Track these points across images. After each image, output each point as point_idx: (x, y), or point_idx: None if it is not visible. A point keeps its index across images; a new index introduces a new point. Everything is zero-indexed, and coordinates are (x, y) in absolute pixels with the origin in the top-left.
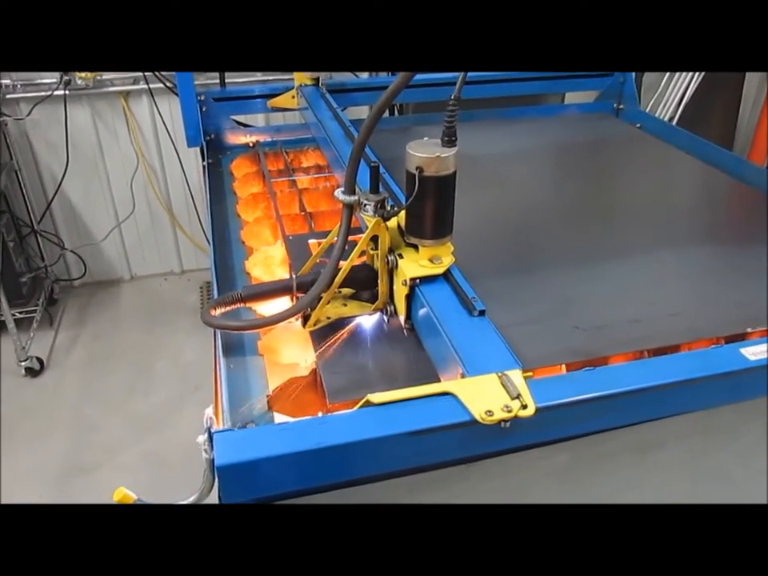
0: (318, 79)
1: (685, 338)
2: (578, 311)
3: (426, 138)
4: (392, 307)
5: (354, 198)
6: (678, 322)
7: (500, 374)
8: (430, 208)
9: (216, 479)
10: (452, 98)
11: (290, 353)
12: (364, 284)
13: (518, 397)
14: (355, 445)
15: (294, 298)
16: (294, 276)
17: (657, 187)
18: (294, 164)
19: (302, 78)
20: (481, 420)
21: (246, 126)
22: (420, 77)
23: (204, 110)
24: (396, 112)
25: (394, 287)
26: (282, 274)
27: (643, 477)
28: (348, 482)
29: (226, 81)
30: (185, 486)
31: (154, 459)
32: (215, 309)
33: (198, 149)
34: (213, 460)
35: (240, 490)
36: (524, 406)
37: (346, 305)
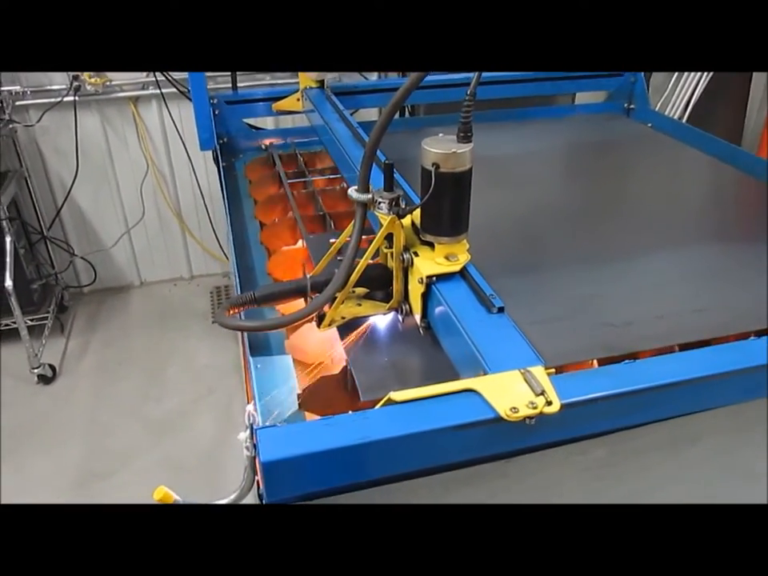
0: (323, 82)
1: (713, 333)
2: (598, 308)
3: (440, 135)
4: (407, 306)
5: (368, 196)
6: (703, 318)
7: (523, 371)
8: (446, 205)
9: (257, 477)
10: (468, 93)
11: (317, 351)
12: (378, 283)
13: (543, 393)
14: (398, 439)
15: (309, 298)
16: (308, 276)
17: (671, 185)
18: (308, 165)
19: (306, 80)
20: (506, 417)
21: (257, 128)
22: (431, 78)
23: (217, 113)
24: (407, 113)
25: (409, 286)
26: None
27: (678, 472)
28: (387, 479)
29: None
30: (203, 489)
31: (170, 464)
32: (229, 310)
33: (207, 154)
34: (255, 457)
35: (285, 486)
36: (549, 402)
37: (360, 304)
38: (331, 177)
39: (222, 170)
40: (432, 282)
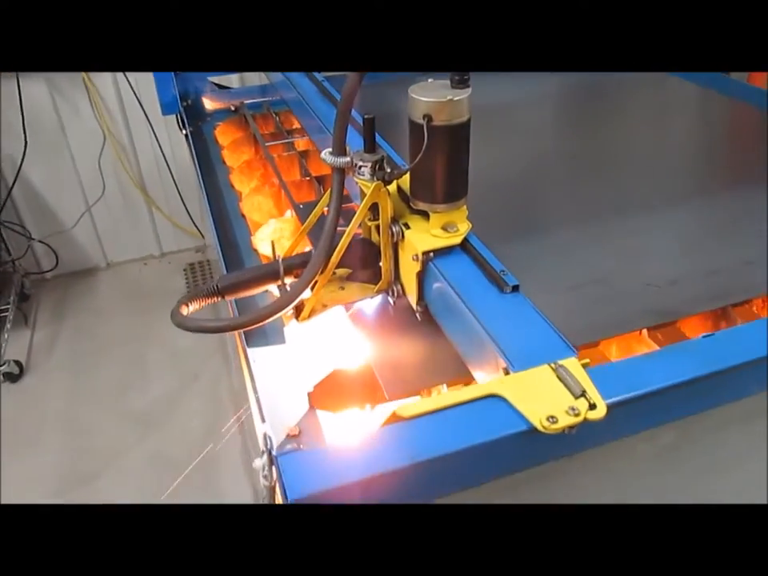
0: None
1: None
2: (625, 269)
3: (430, 80)
4: (398, 287)
5: (346, 159)
6: (754, 272)
7: (553, 365)
8: (442, 165)
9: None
10: None
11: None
12: (363, 262)
13: (584, 394)
14: (437, 460)
15: (283, 283)
16: (279, 258)
17: (674, 124)
18: (285, 126)
19: None
20: (543, 429)
21: (224, 87)
22: None
23: (178, 73)
24: None
25: (400, 263)
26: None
27: (751, 448)
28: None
29: None
30: (198, 487)
31: (160, 460)
32: (187, 306)
33: (170, 119)
34: (276, 487)
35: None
36: (592, 405)
37: (343, 288)
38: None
39: (189, 136)
40: (429, 259)
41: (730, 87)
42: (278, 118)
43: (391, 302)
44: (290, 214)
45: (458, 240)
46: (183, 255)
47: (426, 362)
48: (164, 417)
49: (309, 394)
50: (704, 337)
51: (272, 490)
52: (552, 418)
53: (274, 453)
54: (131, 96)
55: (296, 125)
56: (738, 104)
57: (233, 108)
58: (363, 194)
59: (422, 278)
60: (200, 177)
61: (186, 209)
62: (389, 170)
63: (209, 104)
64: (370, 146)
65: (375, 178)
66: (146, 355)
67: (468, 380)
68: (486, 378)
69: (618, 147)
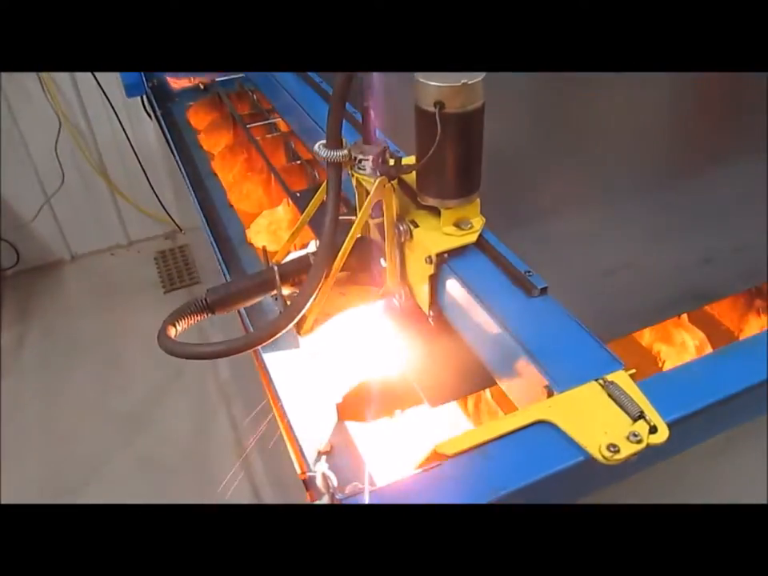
0: None
1: None
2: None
3: None
4: (405, 290)
5: (343, 152)
6: None
7: (602, 382)
8: (456, 156)
9: None
10: None
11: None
12: (363, 263)
13: (641, 416)
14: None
15: (279, 292)
16: (273, 265)
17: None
18: (263, 105)
19: None
20: (605, 460)
21: None
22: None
23: None
24: None
25: (408, 265)
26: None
27: None
28: None
29: None
30: (193, 490)
31: (149, 464)
32: (174, 326)
33: (131, 102)
34: None
35: None
36: (653, 428)
37: (344, 294)
38: None
39: (160, 118)
40: (443, 261)
41: None
42: (254, 97)
43: (397, 304)
44: (284, 203)
45: (473, 238)
46: (152, 243)
47: (462, 366)
48: (150, 418)
49: (338, 406)
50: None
51: None
52: (613, 447)
53: (338, 497)
54: (86, 78)
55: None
56: None
57: (202, 86)
58: (362, 190)
59: (435, 281)
60: (181, 165)
61: (156, 194)
62: (392, 163)
63: (175, 83)
64: (368, 138)
65: (378, 173)
66: (124, 353)
67: None
68: (523, 397)
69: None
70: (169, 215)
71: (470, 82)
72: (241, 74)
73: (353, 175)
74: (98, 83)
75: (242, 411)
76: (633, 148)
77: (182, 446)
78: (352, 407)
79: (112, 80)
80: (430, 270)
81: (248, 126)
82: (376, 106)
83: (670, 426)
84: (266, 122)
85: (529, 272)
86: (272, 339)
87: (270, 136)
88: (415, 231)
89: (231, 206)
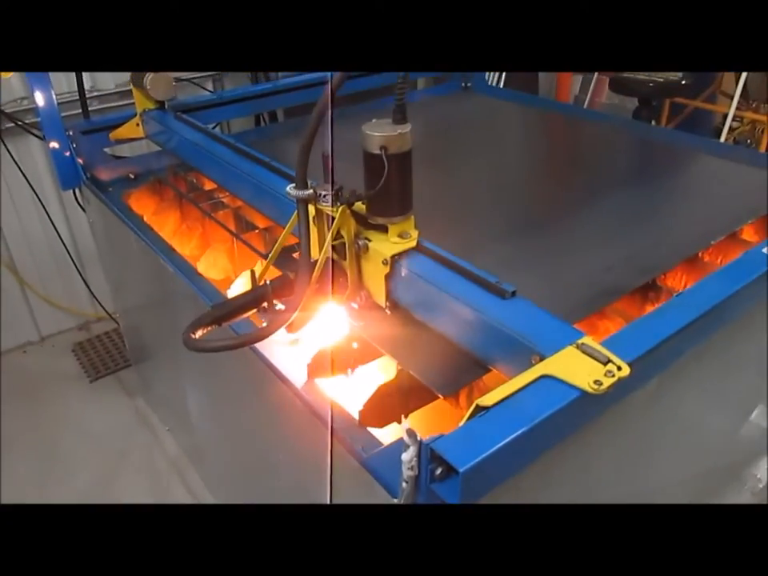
0: (162, 102)
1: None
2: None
3: (374, 120)
4: (364, 292)
5: (309, 191)
6: (675, 244)
7: (575, 345)
8: (397, 185)
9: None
10: (399, 77)
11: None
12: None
13: (609, 361)
14: (543, 423)
15: (268, 304)
16: (268, 282)
17: (543, 146)
18: (204, 185)
19: (143, 102)
20: (594, 391)
21: (121, 157)
22: (290, 80)
23: (75, 145)
24: (264, 122)
25: (365, 272)
26: None
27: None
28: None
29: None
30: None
31: None
32: (194, 332)
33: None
34: (418, 476)
35: (479, 488)
36: (619, 368)
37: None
38: None
39: (116, 207)
40: (396, 262)
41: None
42: (194, 180)
43: (356, 306)
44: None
45: (414, 243)
46: (67, 336)
47: (453, 355)
48: (101, 501)
49: (360, 413)
50: (676, 296)
51: (416, 479)
52: (597, 383)
53: (424, 441)
54: None
55: (209, 184)
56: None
57: (132, 176)
58: (322, 220)
59: (389, 280)
60: (152, 244)
61: (86, 283)
62: (347, 195)
63: (105, 174)
64: (328, 178)
65: (338, 203)
66: (59, 445)
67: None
68: (513, 369)
69: (505, 170)
70: (99, 303)
71: (403, 132)
72: (174, 162)
73: (316, 208)
74: (23, 174)
75: (197, 480)
76: (534, 189)
77: None
78: (374, 412)
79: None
80: (386, 270)
81: (201, 204)
82: (330, 155)
83: (630, 364)
84: (215, 200)
85: (499, 282)
86: (275, 332)
87: (222, 212)
88: (370, 244)
89: (201, 275)
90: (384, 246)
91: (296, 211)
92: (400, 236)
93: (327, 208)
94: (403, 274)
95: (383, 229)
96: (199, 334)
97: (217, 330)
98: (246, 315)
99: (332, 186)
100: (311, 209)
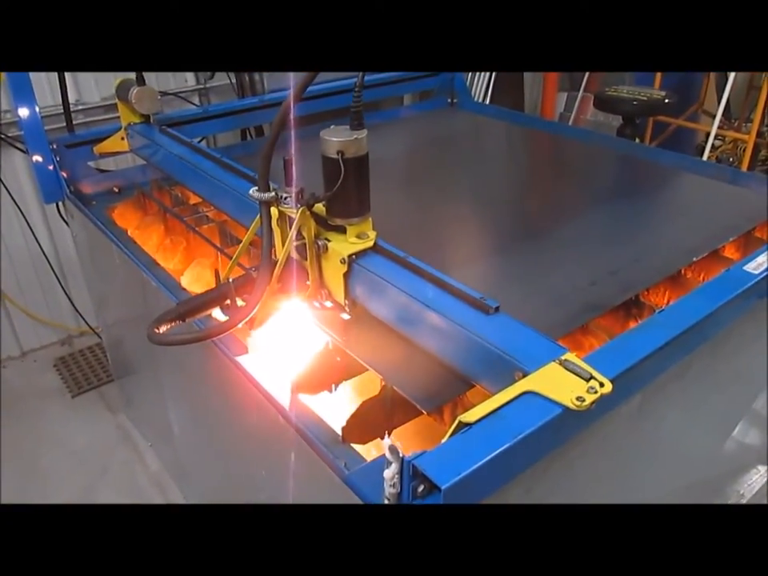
0: (147, 116)
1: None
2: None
3: (332, 126)
4: (324, 291)
5: (272, 194)
6: (658, 261)
7: (558, 361)
8: (354, 188)
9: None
10: (356, 85)
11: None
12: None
13: (592, 377)
14: (526, 439)
15: (231, 302)
16: (231, 280)
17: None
18: (188, 199)
19: (129, 116)
20: (577, 408)
21: (105, 171)
22: (276, 95)
23: (58, 159)
24: (250, 136)
25: (325, 271)
26: None
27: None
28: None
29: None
30: None
31: None
32: (159, 327)
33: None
34: (400, 493)
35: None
36: (601, 384)
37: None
38: None
39: (99, 221)
40: (353, 261)
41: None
42: (177, 193)
43: (317, 305)
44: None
45: (371, 243)
46: (49, 351)
47: (437, 371)
48: None
49: (342, 429)
50: (659, 312)
51: (398, 496)
52: (580, 399)
53: (406, 458)
54: None
55: (194, 199)
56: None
57: (117, 190)
58: (284, 221)
59: (347, 278)
60: (135, 259)
61: (69, 297)
62: (308, 198)
63: (89, 188)
64: (290, 181)
65: (299, 205)
66: (40, 460)
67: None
68: (496, 385)
69: (492, 186)
70: (82, 317)
71: (359, 137)
72: (161, 175)
73: (278, 209)
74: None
75: (179, 496)
76: (518, 206)
77: None
78: (357, 429)
79: None
80: (344, 268)
81: (185, 218)
82: (293, 160)
83: (612, 381)
84: (199, 214)
85: (483, 298)
86: (235, 327)
87: (206, 225)
88: (329, 244)
89: (184, 289)
90: (342, 246)
91: (258, 213)
92: (358, 236)
93: (289, 210)
94: (360, 273)
95: (342, 230)
96: (164, 329)
97: (181, 325)
98: (209, 311)
99: (293, 188)
100: (274, 211)
